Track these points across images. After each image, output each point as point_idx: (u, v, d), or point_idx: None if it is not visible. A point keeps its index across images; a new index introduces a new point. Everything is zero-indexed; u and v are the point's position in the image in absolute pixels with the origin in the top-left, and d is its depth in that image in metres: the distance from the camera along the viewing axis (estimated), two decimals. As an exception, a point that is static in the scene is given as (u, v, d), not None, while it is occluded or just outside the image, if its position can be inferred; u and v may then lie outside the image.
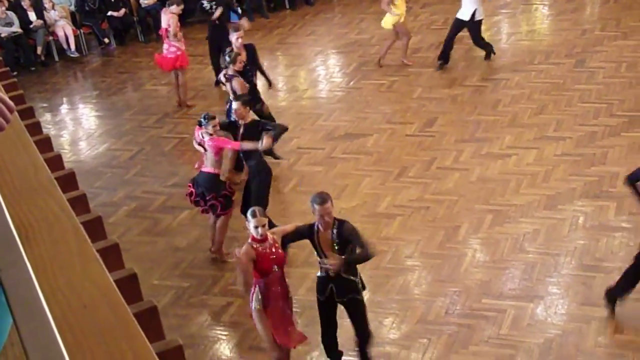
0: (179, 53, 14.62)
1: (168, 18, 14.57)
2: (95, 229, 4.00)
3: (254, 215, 7.68)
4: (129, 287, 3.43)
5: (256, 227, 7.62)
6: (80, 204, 4.61)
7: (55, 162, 5.61)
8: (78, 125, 15.40)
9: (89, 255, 2.68)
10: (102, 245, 3.78)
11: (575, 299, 9.06)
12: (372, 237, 10.48)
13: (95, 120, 15.45)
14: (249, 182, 10.42)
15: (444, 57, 15.28)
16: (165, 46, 14.74)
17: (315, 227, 7.81)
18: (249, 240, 7.73)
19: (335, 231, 7.73)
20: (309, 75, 15.97)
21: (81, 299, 2.54)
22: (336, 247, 7.73)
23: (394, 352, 8.58)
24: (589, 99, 13.59)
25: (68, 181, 5.13)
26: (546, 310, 8.94)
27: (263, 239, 7.69)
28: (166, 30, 14.56)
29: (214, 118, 10.08)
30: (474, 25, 14.82)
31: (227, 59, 11.68)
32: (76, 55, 18.31)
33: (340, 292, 7.93)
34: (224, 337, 9.17)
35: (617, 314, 8.69)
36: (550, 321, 8.78)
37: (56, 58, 18.41)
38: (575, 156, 11.89)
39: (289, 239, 8.09)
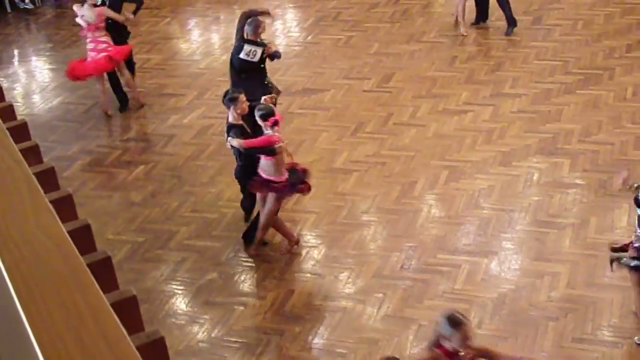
0: (110, 48, 12.63)
1: (96, 13, 12.51)
2: (48, 180, 3.94)
3: (458, 324, 5.94)
4: (82, 237, 3.39)
5: (465, 339, 5.91)
6: (32, 154, 4.54)
7: (7, 112, 5.52)
8: (31, 78, 15.16)
9: (42, 205, 2.64)
10: (55, 196, 3.73)
11: (528, 255, 9.17)
12: (328, 192, 10.53)
13: (49, 73, 15.22)
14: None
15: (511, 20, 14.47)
16: (90, 45, 12.67)
17: None
18: (434, 348, 6.08)
19: None
20: (266, 30, 15.80)
21: (34, 250, 2.51)
22: None
23: (349, 307, 8.63)
24: (545, 57, 13.64)
25: (20, 131, 5.05)
26: (500, 266, 9.04)
27: (457, 354, 6.00)
28: (95, 26, 12.56)
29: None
30: None
31: (249, 28, 10.67)
32: (30, 6, 17.97)
33: None
34: (179, 292, 9.16)
35: (569, 268, 8.83)
36: (503, 276, 8.88)
37: (8, 9, 18.04)
38: (531, 113, 11.96)
39: None
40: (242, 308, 8.78)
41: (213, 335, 8.47)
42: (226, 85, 13.53)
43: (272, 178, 9.09)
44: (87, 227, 3.54)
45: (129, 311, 3.02)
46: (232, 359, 8.14)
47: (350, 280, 9.03)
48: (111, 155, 11.88)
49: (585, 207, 9.87)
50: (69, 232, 2.79)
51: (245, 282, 9.22)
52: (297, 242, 9.52)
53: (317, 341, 8.24)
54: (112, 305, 2.56)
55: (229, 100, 9.13)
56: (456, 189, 10.39)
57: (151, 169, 11.48)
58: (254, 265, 9.44)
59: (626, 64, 13.15)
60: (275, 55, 10.82)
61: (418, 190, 10.42)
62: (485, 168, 10.75)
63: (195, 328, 8.59)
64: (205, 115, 12.77)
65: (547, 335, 8.01)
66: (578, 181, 10.35)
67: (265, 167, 9.09)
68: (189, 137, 12.19)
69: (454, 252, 9.29)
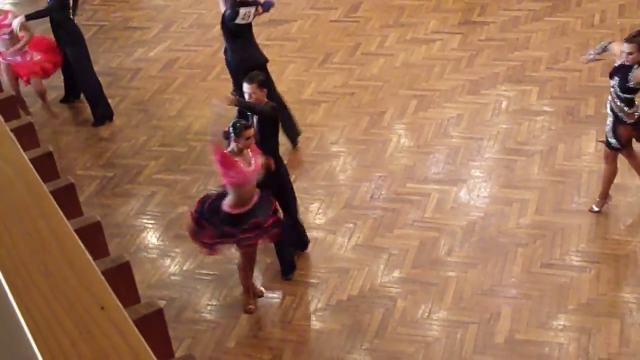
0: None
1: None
2: (8, 108, 3.87)
3: None
4: (45, 165, 3.35)
5: None
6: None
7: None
8: (-7, 13, 14.87)
9: (3, 133, 2.59)
10: (16, 125, 3.67)
11: (497, 182, 9.21)
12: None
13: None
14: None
15: None
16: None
17: None
18: None
19: None
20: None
21: (-5, 178, 2.47)
22: None
23: (320, 237, 8.66)
24: (513, -16, 13.58)
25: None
26: (469, 194, 9.08)
27: None
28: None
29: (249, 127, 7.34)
30: None
31: None
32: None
33: None
34: (150, 226, 9.14)
35: (538, 195, 8.89)
36: (473, 204, 8.93)
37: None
38: (499, 41, 11.93)
39: None
40: (213, 240, 8.77)
41: (185, 268, 8.48)
42: (190, 18, 13.44)
43: (235, 210, 7.45)
44: (49, 155, 3.50)
45: (93, 237, 3.00)
46: (205, 291, 8.16)
47: (320, 211, 9.04)
48: (77, 90, 11.72)
49: (553, 134, 9.90)
50: (31, 160, 2.75)
51: (216, 214, 9.19)
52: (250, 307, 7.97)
53: (289, 271, 8.27)
54: (77, 231, 2.54)
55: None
56: (425, 118, 10.38)
57: (118, 103, 11.36)
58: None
59: (594, -10, 13.12)
60: (269, 5, 9.72)
61: (387, 120, 10.41)
62: (453, 97, 10.74)
63: (167, 261, 8.59)
64: (171, 48, 12.63)
65: (516, 261, 8.08)
66: (546, 108, 10.37)
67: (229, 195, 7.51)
68: (155, 70, 12.07)
69: (424, 181, 9.32)
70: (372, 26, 12.66)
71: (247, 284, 7.90)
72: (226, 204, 7.44)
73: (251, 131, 7.29)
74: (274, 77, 10.11)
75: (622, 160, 8.41)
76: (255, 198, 7.48)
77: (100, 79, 11.78)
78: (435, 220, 8.74)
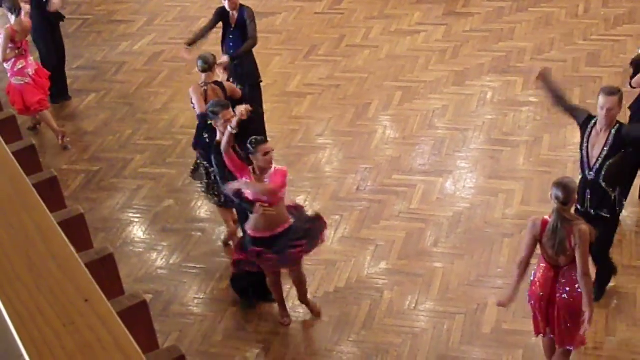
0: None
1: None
2: (-9, 102, 3.86)
3: None
4: (28, 158, 3.33)
5: None
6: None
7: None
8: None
9: (-16, 127, 2.58)
10: (-1, 118, 3.66)
11: (483, 173, 9.23)
12: (282, 116, 10.49)
13: (-6, 2, 14.85)
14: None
15: None
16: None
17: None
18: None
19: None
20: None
21: (-23, 171, 2.46)
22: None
23: (306, 229, 8.65)
24: (497, -25, 13.58)
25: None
26: (455, 185, 9.09)
27: None
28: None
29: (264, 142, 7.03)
30: None
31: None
32: None
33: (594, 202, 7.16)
34: (136, 220, 9.13)
35: (523, 186, 8.91)
36: (459, 195, 8.95)
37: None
38: (484, 32, 11.94)
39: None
40: (199, 234, 8.77)
41: (172, 261, 8.47)
42: (174, 11, 13.41)
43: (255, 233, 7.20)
44: (32, 148, 3.48)
45: (76, 229, 3.00)
46: (192, 284, 8.16)
47: (307, 203, 9.03)
48: (61, 85, 11.67)
49: (538, 124, 9.92)
50: (14, 153, 2.74)
51: (202, 208, 9.19)
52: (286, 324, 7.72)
53: (275, 264, 8.25)
54: (60, 224, 2.54)
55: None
56: (410, 109, 10.39)
57: (103, 97, 11.34)
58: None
59: (578, -20, 13.12)
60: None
61: (372, 112, 10.41)
62: (439, 88, 10.75)
63: (154, 255, 8.58)
64: (155, 42, 12.59)
65: (503, 251, 8.10)
66: (531, 99, 10.39)
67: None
68: (140, 64, 12.04)
69: (409, 172, 9.33)
70: (356, 18, 12.65)
71: (279, 299, 7.68)
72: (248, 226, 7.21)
73: (268, 146, 6.93)
74: (259, 70, 10.02)
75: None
76: (280, 229, 7.13)
77: (84, 73, 11.78)
78: (421, 211, 8.75)
